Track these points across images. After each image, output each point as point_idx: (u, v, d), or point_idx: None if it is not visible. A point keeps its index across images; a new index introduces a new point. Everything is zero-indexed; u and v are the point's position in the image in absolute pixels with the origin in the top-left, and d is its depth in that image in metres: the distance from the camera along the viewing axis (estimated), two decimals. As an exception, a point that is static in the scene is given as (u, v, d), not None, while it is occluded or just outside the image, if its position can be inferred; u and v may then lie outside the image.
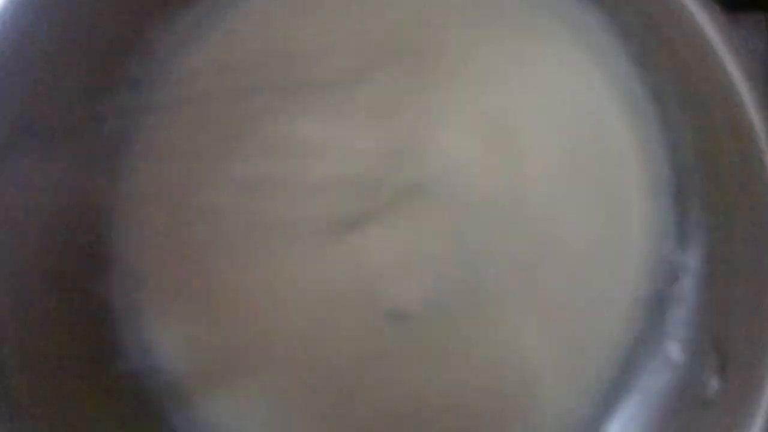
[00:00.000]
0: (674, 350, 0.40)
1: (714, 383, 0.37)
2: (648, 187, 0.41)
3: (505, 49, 0.42)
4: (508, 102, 0.41)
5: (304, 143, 0.41)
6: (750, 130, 0.34)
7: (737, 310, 0.37)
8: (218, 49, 0.42)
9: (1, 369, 0.36)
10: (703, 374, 0.37)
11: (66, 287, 0.40)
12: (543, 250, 0.41)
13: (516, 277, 0.42)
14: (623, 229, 0.42)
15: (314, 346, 0.42)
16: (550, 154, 0.41)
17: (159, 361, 0.42)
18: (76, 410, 0.38)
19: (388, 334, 0.42)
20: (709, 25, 0.33)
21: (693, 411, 0.37)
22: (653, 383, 0.41)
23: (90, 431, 0.38)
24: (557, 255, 0.42)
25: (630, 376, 0.41)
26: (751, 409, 0.34)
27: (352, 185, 0.41)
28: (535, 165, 0.42)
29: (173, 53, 0.42)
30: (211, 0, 0.42)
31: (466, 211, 0.41)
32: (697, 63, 0.35)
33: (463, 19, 0.41)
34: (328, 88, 0.41)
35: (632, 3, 0.38)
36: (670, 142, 0.41)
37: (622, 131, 0.41)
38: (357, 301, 0.42)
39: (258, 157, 0.42)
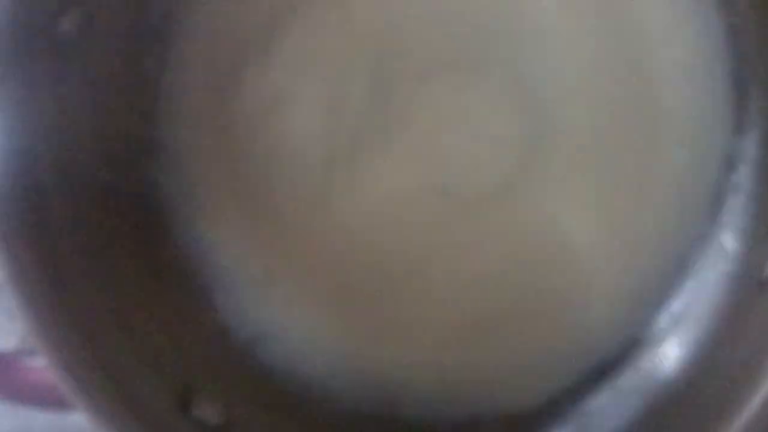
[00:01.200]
0: (730, 241, 0.40)
1: (769, 267, 0.36)
2: (703, 71, 0.40)
3: None
4: None
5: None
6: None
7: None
8: None
9: (49, 233, 0.36)
10: (759, 261, 0.37)
11: (116, 168, 0.40)
12: (600, 139, 0.41)
13: (575, 168, 0.41)
14: (673, 114, 0.41)
15: (371, 239, 0.41)
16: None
17: (207, 251, 0.42)
18: (123, 287, 0.38)
19: (448, 218, 0.41)
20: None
21: (748, 295, 0.37)
22: (708, 273, 0.40)
23: (134, 311, 0.38)
24: (613, 145, 0.41)
25: (685, 266, 0.41)
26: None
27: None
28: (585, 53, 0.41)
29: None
30: None
31: (535, 91, 0.41)
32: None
33: None
34: None
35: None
36: (729, 23, 0.40)
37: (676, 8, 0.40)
38: (420, 189, 0.41)
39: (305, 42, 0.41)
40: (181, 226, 0.42)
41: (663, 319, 0.41)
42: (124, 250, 0.39)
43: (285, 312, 0.42)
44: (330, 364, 0.41)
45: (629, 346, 0.41)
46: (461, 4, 0.41)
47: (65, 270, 0.36)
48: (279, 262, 0.42)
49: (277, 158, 0.42)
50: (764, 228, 0.37)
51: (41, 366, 0.43)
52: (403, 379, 0.41)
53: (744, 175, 0.40)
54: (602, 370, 0.41)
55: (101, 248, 0.38)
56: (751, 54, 0.39)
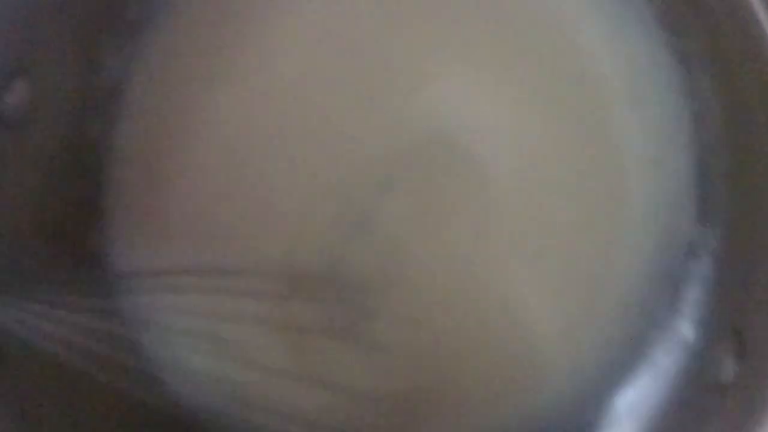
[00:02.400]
0: (688, 331, 0.39)
1: (730, 367, 0.35)
2: (669, 160, 0.40)
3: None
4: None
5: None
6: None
7: (757, 293, 0.35)
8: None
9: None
10: (719, 357, 0.36)
11: (59, 240, 0.39)
12: (561, 222, 0.40)
13: (523, 252, 0.40)
14: (636, 203, 0.40)
15: None
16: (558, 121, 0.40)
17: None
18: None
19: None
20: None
21: (708, 395, 0.36)
22: (665, 362, 0.40)
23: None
24: (574, 229, 0.40)
25: (641, 351, 0.40)
26: (762, 396, 0.33)
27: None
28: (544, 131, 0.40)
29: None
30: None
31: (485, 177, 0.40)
32: (732, 29, 0.33)
33: None
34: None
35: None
36: (694, 111, 0.39)
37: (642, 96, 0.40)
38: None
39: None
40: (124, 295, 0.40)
41: (618, 407, 0.40)
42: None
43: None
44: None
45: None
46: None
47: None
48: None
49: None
50: (723, 323, 0.37)
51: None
52: None
53: (705, 266, 0.39)
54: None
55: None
56: (716, 145, 0.38)
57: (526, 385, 0.41)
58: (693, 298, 0.39)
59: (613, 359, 0.40)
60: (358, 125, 0.41)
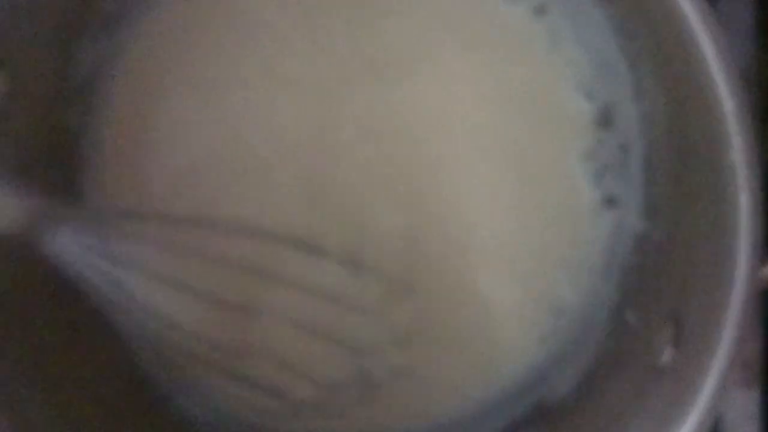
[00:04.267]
0: (633, 318, 0.41)
1: (667, 351, 0.37)
2: (617, 160, 0.42)
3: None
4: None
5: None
6: (720, 110, 0.35)
7: (694, 282, 0.37)
8: None
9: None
10: (658, 342, 0.38)
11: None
12: (501, 206, 0.42)
13: (481, 235, 0.43)
14: (588, 197, 0.42)
15: None
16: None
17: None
18: (39, 339, 0.39)
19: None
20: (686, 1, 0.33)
21: (646, 376, 0.38)
22: (609, 344, 0.42)
23: (51, 364, 0.39)
24: (524, 216, 0.43)
25: (586, 335, 0.43)
26: (702, 378, 0.35)
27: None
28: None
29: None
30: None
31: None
32: (673, 36, 0.35)
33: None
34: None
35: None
36: (642, 111, 0.41)
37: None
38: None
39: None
40: None
41: (565, 386, 0.42)
42: (41, 301, 0.39)
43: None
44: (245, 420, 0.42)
45: (532, 410, 0.43)
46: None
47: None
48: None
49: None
50: (663, 311, 0.39)
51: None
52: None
53: (649, 257, 0.41)
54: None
55: (18, 299, 0.38)
56: (661, 145, 0.40)
57: (480, 366, 0.43)
58: (637, 287, 0.42)
59: (559, 341, 0.43)
60: (325, 116, 0.42)
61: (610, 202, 0.43)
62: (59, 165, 0.41)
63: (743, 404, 0.45)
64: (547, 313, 0.43)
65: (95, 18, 0.41)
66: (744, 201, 0.35)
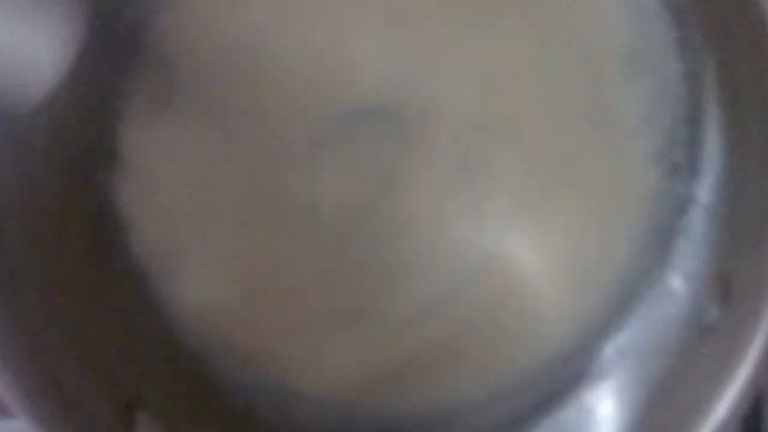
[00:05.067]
0: (677, 282, 0.40)
1: (714, 311, 0.37)
2: (659, 115, 0.41)
3: None
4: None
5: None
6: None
7: (743, 240, 0.36)
8: None
9: (5, 250, 0.36)
10: (704, 304, 0.37)
11: (71, 178, 0.40)
12: (544, 173, 0.41)
13: (515, 195, 0.41)
14: (629, 157, 0.41)
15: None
16: (547, 79, 0.41)
17: (159, 263, 0.42)
18: (71, 297, 0.38)
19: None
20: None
21: (693, 338, 0.37)
22: (654, 311, 0.41)
23: (82, 321, 0.38)
24: (559, 179, 0.41)
25: (631, 304, 0.41)
26: (750, 335, 0.34)
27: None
28: (531, 90, 0.41)
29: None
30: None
31: (459, 133, 0.41)
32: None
33: None
34: None
35: None
36: (689, 68, 0.40)
37: (635, 51, 0.41)
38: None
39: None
40: (134, 236, 0.41)
41: (608, 354, 0.41)
42: (74, 259, 0.39)
43: (234, 327, 0.42)
44: (281, 387, 0.41)
45: (574, 379, 0.41)
46: None
47: (14, 279, 0.36)
48: (230, 278, 0.42)
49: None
50: (711, 274, 0.38)
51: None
52: (351, 406, 0.41)
53: (695, 219, 0.40)
54: (546, 404, 0.41)
55: (51, 258, 0.38)
56: (708, 100, 0.39)
57: (523, 337, 0.42)
58: (682, 250, 0.41)
59: (605, 309, 0.41)
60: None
61: (654, 162, 0.41)
62: (92, 120, 0.41)
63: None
64: (589, 280, 0.42)
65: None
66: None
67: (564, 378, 0.41)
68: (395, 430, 0.42)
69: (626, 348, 0.41)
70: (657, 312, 0.41)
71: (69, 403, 0.35)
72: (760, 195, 0.35)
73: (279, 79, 0.41)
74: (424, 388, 0.42)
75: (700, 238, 0.40)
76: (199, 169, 0.42)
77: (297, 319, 0.41)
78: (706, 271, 0.39)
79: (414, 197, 0.41)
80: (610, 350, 0.41)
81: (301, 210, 0.41)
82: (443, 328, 0.42)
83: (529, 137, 0.41)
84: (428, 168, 0.41)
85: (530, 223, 0.42)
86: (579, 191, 0.41)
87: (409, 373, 0.42)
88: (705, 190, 0.40)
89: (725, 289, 0.36)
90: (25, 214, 0.37)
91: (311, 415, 0.41)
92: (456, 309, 0.42)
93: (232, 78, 0.41)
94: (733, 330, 0.35)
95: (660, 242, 0.41)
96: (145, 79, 0.41)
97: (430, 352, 0.42)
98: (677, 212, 0.41)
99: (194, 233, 0.41)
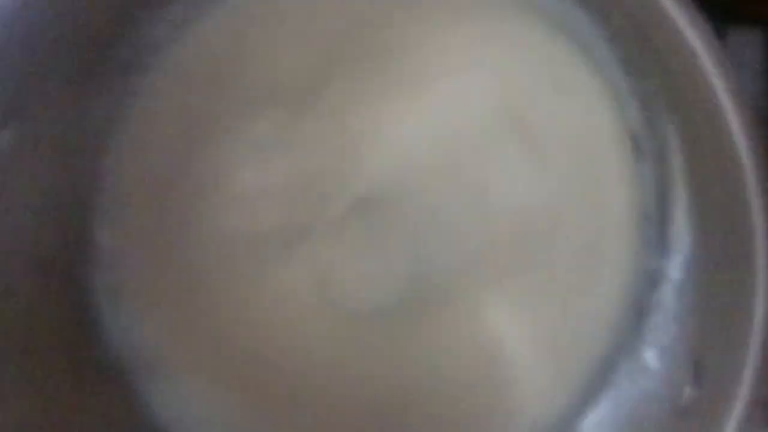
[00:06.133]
0: (651, 357, 0.41)
1: (688, 391, 0.37)
2: (631, 194, 0.41)
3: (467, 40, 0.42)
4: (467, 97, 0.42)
5: (259, 147, 0.42)
6: (733, 148, 0.34)
7: (714, 320, 0.37)
8: (200, 42, 0.42)
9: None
10: (679, 382, 0.38)
11: (49, 273, 0.40)
12: (515, 249, 0.42)
13: (489, 273, 0.42)
14: (602, 233, 0.42)
15: (278, 347, 0.42)
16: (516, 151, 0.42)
17: (136, 346, 0.42)
18: (58, 394, 0.39)
19: (351, 335, 0.42)
20: (695, 38, 0.33)
21: (667, 418, 0.38)
22: (629, 387, 0.41)
23: (71, 415, 0.39)
24: (531, 255, 0.42)
25: (606, 379, 0.42)
26: (724, 418, 0.34)
27: (307, 192, 0.42)
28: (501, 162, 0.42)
29: (163, 39, 0.42)
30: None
31: (425, 213, 0.42)
32: (684, 74, 0.35)
33: (426, 18, 0.41)
34: (286, 91, 0.42)
35: (621, 8, 0.38)
36: (655, 148, 0.41)
37: (605, 131, 0.42)
38: (317, 306, 0.42)
39: (222, 158, 0.42)
40: (111, 322, 0.42)
41: (585, 430, 0.42)
42: (52, 345, 0.39)
43: (209, 406, 0.42)
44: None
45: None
46: None
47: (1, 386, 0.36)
48: (198, 359, 0.42)
49: (210, 255, 0.42)
50: (684, 350, 0.38)
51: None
52: None
53: (666, 295, 0.41)
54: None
55: (34, 357, 0.38)
56: (675, 181, 0.40)
57: (499, 410, 0.42)
58: (656, 326, 0.41)
59: (582, 383, 0.42)
60: None
61: (629, 240, 0.42)
62: (73, 215, 0.41)
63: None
64: (567, 354, 0.42)
65: (109, 66, 0.42)
66: (760, 240, 0.34)
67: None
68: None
69: (602, 424, 0.41)
70: (633, 388, 0.41)
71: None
72: (726, 279, 0.36)
73: None
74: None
75: (672, 315, 0.40)
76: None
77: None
78: (679, 348, 0.39)
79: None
80: (586, 426, 0.42)
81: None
82: (417, 399, 0.42)
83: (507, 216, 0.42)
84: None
85: (508, 296, 0.42)
86: (557, 266, 0.42)
87: None
88: (675, 267, 0.40)
89: (697, 370, 0.37)
90: (3, 302, 0.37)
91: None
92: (430, 383, 0.42)
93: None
94: (706, 412, 0.35)
95: (634, 318, 0.42)
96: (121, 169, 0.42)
97: (405, 428, 0.42)
98: (650, 287, 0.41)
99: (178, 332, 0.42)
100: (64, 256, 0.41)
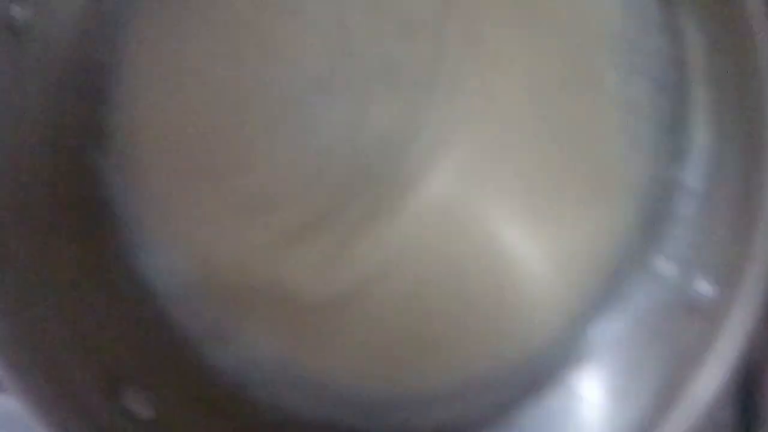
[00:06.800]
0: (665, 266, 0.40)
1: (702, 297, 0.37)
2: (648, 103, 0.41)
3: None
4: None
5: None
6: (756, 50, 0.34)
7: (729, 228, 0.37)
8: None
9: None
10: (692, 289, 0.37)
11: (62, 155, 0.40)
12: (530, 151, 0.42)
13: (504, 180, 0.42)
14: (617, 141, 0.41)
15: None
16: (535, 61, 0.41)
17: (151, 246, 0.42)
18: (61, 273, 0.39)
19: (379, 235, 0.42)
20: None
21: (680, 319, 0.38)
22: (642, 296, 0.41)
23: (71, 297, 0.39)
24: (545, 160, 0.41)
25: (619, 287, 0.41)
26: (736, 317, 0.35)
27: None
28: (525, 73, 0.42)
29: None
30: None
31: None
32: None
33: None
34: None
35: None
36: (677, 55, 0.40)
37: (624, 32, 0.41)
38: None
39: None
40: (127, 217, 0.42)
41: (595, 338, 0.41)
42: (65, 236, 0.39)
43: (226, 312, 0.42)
44: (270, 368, 0.42)
45: (561, 364, 0.41)
46: None
47: (4, 255, 0.36)
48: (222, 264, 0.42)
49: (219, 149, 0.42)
50: (698, 258, 0.38)
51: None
52: (342, 389, 0.42)
53: (682, 205, 0.40)
54: (533, 388, 0.41)
55: (43, 234, 0.38)
56: (696, 85, 0.40)
57: (510, 321, 0.42)
58: (670, 235, 0.41)
59: (593, 293, 0.41)
60: None
61: (642, 147, 0.41)
62: (84, 98, 0.41)
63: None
64: (577, 265, 0.42)
65: None
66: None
67: (551, 363, 0.41)
68: (383, 412, 0.42)
69: (614, 333, 0.41)
70: (645, 297, 0.41)
71: (58, 377, 0.35)
72: (744, 181, 0.36)
73: None
74: (414, 372, 0.42)
75: (688, 223, 0.40)
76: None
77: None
78: (694, 256, 0.39)
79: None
80: (597, 335, 0.41)
81: None
82: (433, 313, 0.42)
83: (516, 125, 0.42)
84: None
85: (518, 209, 0.42)
86: (567, 176, 0.42)
87: (400, 355, 0.42)
88: (692, 175, 0.40)
89: (711, 276, 0.37)
90: (17, 187, 0.38)
91: (299, 395, 0.42)
92: (446, 293, 0.42)
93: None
94: (720, 313, 0.35)
95: (648, 227, 0.41)
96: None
97: (422, 337, 0.42)
98: (665, 197, 0.41)
99: (181, 205, 0.42)
100: (77, 140, 0.41)
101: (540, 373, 0.41)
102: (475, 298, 0.42)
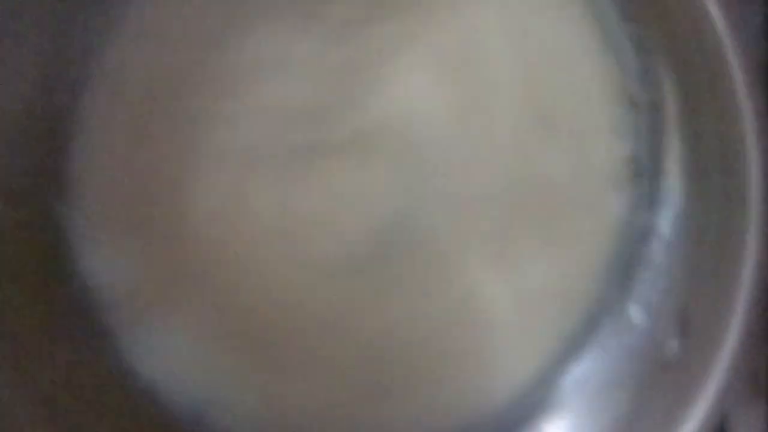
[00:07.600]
0: (637, 313, 0.40)
1: (673, 347, 0.37)
2: (622, 144, 0.41)
3: None
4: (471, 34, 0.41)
5: (263, 64, 0.41)
6: (733, 99, 0.34)
7: (702, 276, 0.36)
8: None
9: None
10: (664, 338, 0.37)
11: (21, 202, 0.39)
12: (505, 196, 0.41)
13: (478, 224, 0.41)
14: (592, 187, 0.41)
15: (255, 286, 0.41)
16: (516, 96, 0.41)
17: (109, 281, 0.41)
18: (19, 325, 0.38)
19: (334, 280, 0.41)
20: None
21: (651, 372, 0.37)
22: (613, 343, 0.41)
23: (30, 352, 0.38)
24: (520, 204, 0.41)
25: (590, 334, 0.41)
26: (709, 370, 0.34)
27: (309, 114, 0.41)
28: (500, 106, 0.41)
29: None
30: None
31: (422, 152, 0.41)
32: (684, 21, 0.34)
33: None
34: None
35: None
36: (651, 98, 0.40)
37: (598, 74, 0.41)
38: (299, 243, 0.41)
39: (218, 81, 0.41)
40: (82, 262, 0.41)
41: (567, 385, 0.41)
42: (23, 286, 0.39)
43: (185, 354, 0.41)
44: (232, 409, 0.41)
45: (534, 410, 0.41)
46: None
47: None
48: (177, 300, 0.41)
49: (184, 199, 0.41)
50: (670, 306, 0.38)
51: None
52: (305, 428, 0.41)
53: (655, 252, 0.40)
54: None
55: (6, 286, 0.37)
56: (669, 133, 0.39)
57: (483, 367, 0.41)
58: (642, 282, 0.40)
59: (565, 339, 0.41)
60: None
61: (616, 195, 0.41)
62: (47, 146, 0.40)
63: (751, 417, 0.44)
64: (550, 310, 0.41)
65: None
66: (755, 195, 0.34)
67: (524, 409, 0.41)
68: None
69: (585, 379, 0.41)
70: (616, 344, 0.40)
71: None
72: (718, 231, 0.35)
73: None
74: (377, 424, 0.41)
75: (660, 270, 0.40)
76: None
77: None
78: (666, 304, 0.38)
79: None
80: (569, 381, 0.41)
81: None
82: (396, 362, 0.41)
83: (495, 164, 0.41)
84: None
85: (493, 254, 0.41)
86: (540, 220, 0.41)
87: (361, 404, 0.41)
88: (665, 222, 0.40)
89: (684, 323, 0.36)
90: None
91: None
92: (412, 340, 0.41)
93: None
94: (692, 365, 0.35)
95: (621, 273, 0.41)
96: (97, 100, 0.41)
97: (394, 381, 0.41)
98: (638, 243, 0.41)
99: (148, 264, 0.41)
100: (36, 188, 0.40)
101: (511, 420, 0.41)
102: (442, 345, 0.41)
